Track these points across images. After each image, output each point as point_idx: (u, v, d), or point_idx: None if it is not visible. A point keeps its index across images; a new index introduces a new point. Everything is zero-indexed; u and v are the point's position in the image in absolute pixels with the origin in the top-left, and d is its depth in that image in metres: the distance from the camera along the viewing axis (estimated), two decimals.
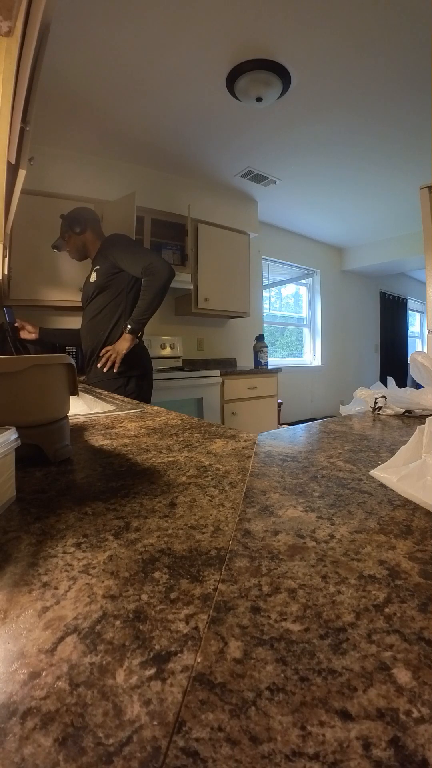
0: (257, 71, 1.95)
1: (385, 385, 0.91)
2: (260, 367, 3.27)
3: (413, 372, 0.87)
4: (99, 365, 1.68)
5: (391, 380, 0.94)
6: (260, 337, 3.37)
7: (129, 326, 1.64)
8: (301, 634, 0.20)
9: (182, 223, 3.04)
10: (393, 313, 6.28)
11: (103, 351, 1.69)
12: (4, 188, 0.94)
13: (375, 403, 0.86)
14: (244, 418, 2.98)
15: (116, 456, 0.55)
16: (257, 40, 1.78)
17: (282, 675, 0.18)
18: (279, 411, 3.41)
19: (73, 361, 0.56)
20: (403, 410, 0.83)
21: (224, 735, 0.15)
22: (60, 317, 2.76)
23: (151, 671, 0.18)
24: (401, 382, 0.89)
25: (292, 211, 3.94)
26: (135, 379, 1.73)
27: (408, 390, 0.87)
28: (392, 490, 0.40)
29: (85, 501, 0.38)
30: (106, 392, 1.44)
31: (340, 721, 0.15)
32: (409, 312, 6.74)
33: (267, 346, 3.33)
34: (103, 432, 0.71)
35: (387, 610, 0.22)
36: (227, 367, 3.41)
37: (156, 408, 0.99)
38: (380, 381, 0.94)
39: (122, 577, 0.25)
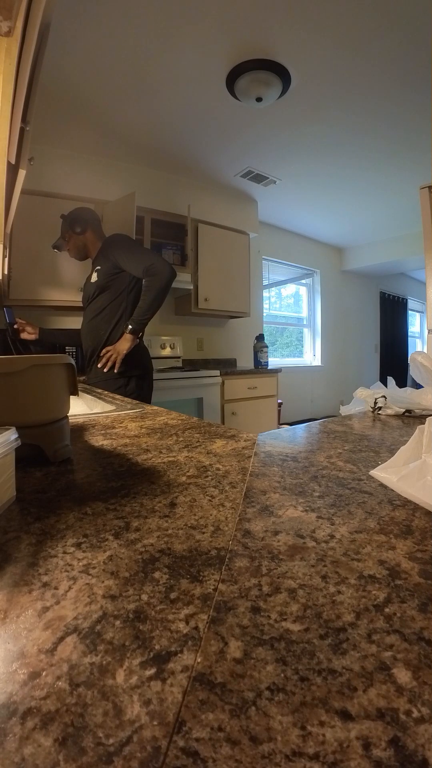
0: (257, 71, 1.95)
1: (385, 385, 0.91)
2: (260, 367, 3.27)
3: (413, 372, 0.87)
4: (99, 365, 1.69)
5: (391, 380, 0.94)
6: (260, 337, 3.36)
7: (130, 326, 1.64)
8: (301, 634, 0.20)
9: (182, 223, 3.04)
10: (393, 313, 6.28)
11: (104, 351, 1.69)
12: (4, 188, 0.94)
13: (375, 403, 0.86)
14: (244, 418, 2.98)
15: (116, 456, 0.55)
16: (257, 40, 1.78)
17: (282, 675, 0.18)
18: (279, 411, 3.40)
19: (73, 361, 0.56)
20: (403, 410, 0.83)
21: (224, 735, 0.15)
22: (60, 317, 2.76)
23: (151, 671, 0.18)
24: (401, 382, 0.89)
25: (292, 211, 3.94)
26: (135, 379, 1.73)
27: (408, 390, 0.87)
28: (392, 490, 0.40)
29: (85, 501, 0.38)
30: (106, 392, 1.44)
31: (340, 721, 0.15)
32: (409, 312, 6.74)
33: (267, 346, 3.33)
34: (103, 432, 0.71)
35: (387, 610, 0.22)
36: (227, 367, 3.41)
37: (156, 408, 0.99)
38: (380, 381, 0.94)
39: (122, 577, 0.25)
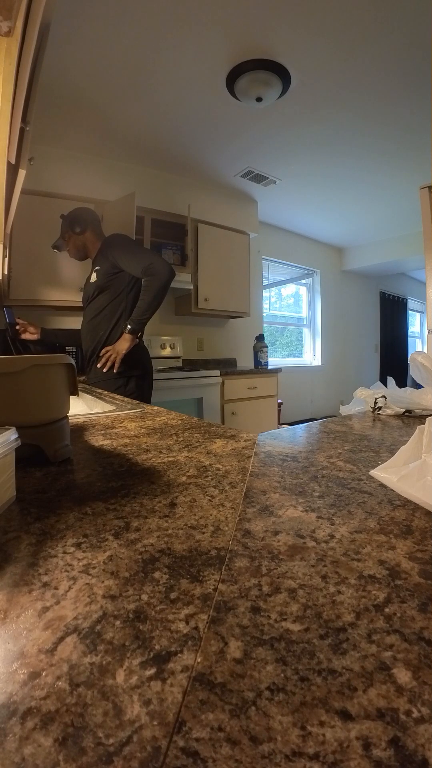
0: (257, 71, 1.95)
1: (385, 385, 0.91)
2: (260, 367, 3.27)
3: (413, 372, 0.87)
4: (99, 365, 1.69)
5: (391, 380, 0.94)
6: (260, 337, 3.36)
7: (129, 326, 1.64)
8: (301, 634, 0.20)
9: (182, 223, 3.04)
10: (393, 313, 6.28)
11: (103, 351, 1.69)
12: (4, 188, 0.94)
13: (375, 403, 0.86)
14: (244, 418, 2.98)
15: (116, 456, 0.55)
16: (257, 40, 1.78)
17: (282, 675, 0.18)
18: (279, 411, 3.40)
19: (72, 361, 0.56)
20: (403, 410, 0.83)
21: (224, 735, 0.15)
22: (60, 317, 2.76)
23: (151, 671, 0.18)
24: (401, 382, 0.89)
25: (292, 211, 3.94)
26: (135, 379, 1.73)
27: (408, 390, 0.87)
28: (392, 490, 0.40)
29: (85, 501, 0.38)
30: (106, 392, 1.44)
31: (340, 721, 0.15)
32: (409, 312, 6.74)
33: (267, 346, 3.33)
34: (103, 432, 0.71)
35: (387, 610, 0.22)
36: (227, 367, 3.40)
37: (156, 408, 0.99)
38: (380, 381, 0.94)
39: (122, 577, 0.25)
